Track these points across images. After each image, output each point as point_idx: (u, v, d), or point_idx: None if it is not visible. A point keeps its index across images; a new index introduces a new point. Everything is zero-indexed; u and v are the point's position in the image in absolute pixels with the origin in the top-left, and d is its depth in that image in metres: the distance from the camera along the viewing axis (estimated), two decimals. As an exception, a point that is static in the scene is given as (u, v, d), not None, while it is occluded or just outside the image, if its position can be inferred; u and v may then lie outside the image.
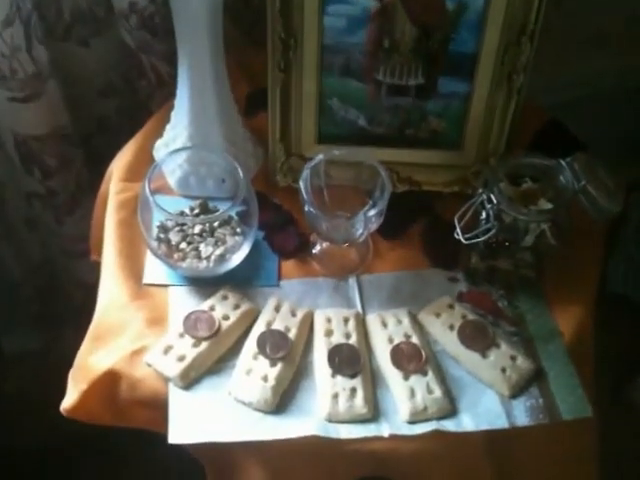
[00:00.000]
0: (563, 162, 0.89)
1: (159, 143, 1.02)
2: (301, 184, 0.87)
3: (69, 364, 0.90)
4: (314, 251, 0.97)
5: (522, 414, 0.83)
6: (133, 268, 0.93)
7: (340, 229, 0.88)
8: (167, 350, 0.85)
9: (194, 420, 0.81)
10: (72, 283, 1.40)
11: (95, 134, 1.27)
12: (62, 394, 0.88)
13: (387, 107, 0.95)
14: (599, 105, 1.43)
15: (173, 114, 0.98)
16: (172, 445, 0.79)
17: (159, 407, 0.83)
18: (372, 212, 0.86)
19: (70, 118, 1.17)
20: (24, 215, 1.29)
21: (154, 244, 0.91)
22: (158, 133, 1.02)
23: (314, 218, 0.88)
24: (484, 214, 0.89)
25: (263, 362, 0.85)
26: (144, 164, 0.98)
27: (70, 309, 1.41)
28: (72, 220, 1.28)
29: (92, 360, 0.87)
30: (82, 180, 1.25)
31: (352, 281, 0.94)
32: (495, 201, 0.86)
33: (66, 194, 1.24)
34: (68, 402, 0.88)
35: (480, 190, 0.88)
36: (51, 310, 1.45)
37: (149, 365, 0.85)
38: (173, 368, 0.84)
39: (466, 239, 0.89)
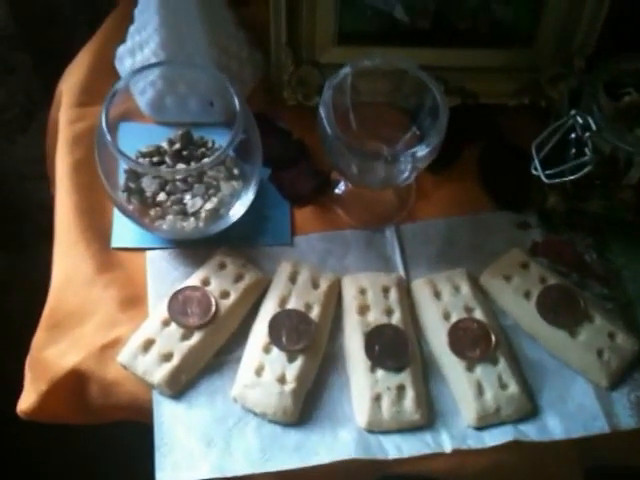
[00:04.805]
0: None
1: (122, 50, 0.78)
2: (321, 111, 0.63)
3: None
4: (337, 192, 0.74)
5: (625, 412, 0.66)
6: (97, 227, 0.73)
7: (377, 172, 0.64)
8: (147, 346, 0.65)
9: (189, 446, 0.61)
10: (33, 207, 1.24)
11: (45, 32, 1.07)
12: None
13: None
14: None
15: (137, 12, 0.72)
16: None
17: (142, 410, 0.65)
18: (423, 151, 0.61)
19: (11, 13, 1.01)
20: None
21: (121, 197, 0.67)
22: (121, 35, 0.80)
23: (340, 157, 0.64)
24: (572, 137, 0.66)
25: (278, 356, 0.65)
26: (103, 81, 0.77)
27: (35, 232, 1.24)
28: (25, 139, 1.16)
29: (51, 354, 0.68)
30: (33, 91, 1.10)
31: (390, 233, 0.74)
32: (594, 127, 0.62)
33: (15, 109, 1.11)
34: (26, 404, 0.69)
35: (573, 112, 0.64)
36: (15, 234, 1.31)
37: (124, 367, 0.63)
38: (157, 372, 0.64)
39: (548, 177, 0.65)
